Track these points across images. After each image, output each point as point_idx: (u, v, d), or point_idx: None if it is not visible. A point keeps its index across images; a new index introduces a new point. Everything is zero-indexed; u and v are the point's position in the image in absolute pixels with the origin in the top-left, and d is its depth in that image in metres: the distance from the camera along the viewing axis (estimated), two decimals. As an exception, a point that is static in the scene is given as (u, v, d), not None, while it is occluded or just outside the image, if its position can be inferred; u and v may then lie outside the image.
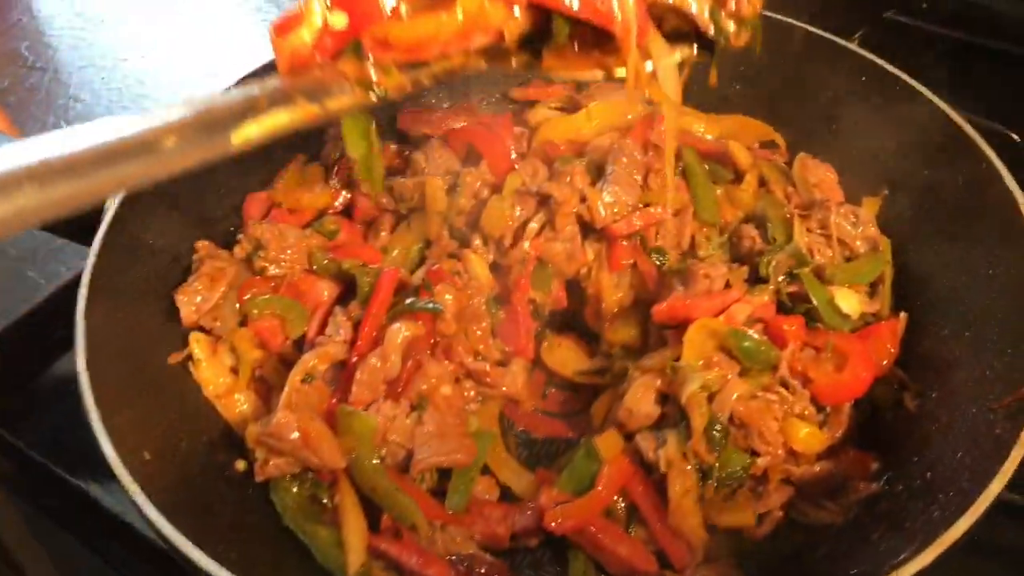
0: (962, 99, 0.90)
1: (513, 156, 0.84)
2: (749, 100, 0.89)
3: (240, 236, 0.81)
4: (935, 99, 0.77)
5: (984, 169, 0.73)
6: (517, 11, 0.57)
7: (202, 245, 0.80)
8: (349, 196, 0.86)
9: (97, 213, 0.74)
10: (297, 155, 0.89)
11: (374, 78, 0.57)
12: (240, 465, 0.72)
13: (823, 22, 0.88)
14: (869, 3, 1.13)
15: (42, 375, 0.85)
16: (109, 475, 0.60)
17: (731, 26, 0.62)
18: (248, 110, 0.53)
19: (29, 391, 0.84)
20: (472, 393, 0.75)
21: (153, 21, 1.25)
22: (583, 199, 0.78)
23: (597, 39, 0.60)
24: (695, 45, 0.63)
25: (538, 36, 0.60)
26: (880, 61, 0.81)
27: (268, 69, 0.78)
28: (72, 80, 1.17)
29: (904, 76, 0.79)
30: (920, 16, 1.08)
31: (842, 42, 0.83)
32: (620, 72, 0.61)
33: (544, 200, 0.79)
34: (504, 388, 0.76)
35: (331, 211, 0.86)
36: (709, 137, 0.87)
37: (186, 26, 1.23)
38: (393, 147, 0.90)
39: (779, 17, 0.86)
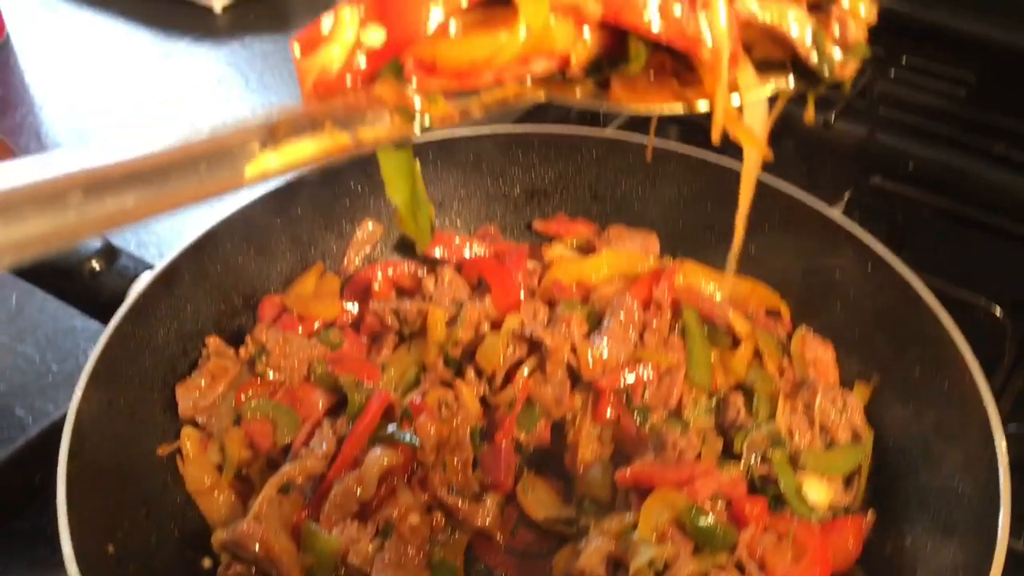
0: (947, 270, 0.92)
1: (521, 293, 0.85)
2: (762, 264, 0.87)
3: (248, 337, 0.82)
4: (922, 289, 0.77)
5: (957, 361, 0.71)
6: (587, 32, 0.48)
7: (212, 341, 0.82)
8: (358, 310, 0.87)
9: (120, 293, 0.76)
10: (318, 263, 0.91)
11: (417, 106, 0.48)
12: (206, 563, 0.73)
13: (811, 183, 0.88)
14: (856, 167, 1.11)
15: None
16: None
17: (837, 53, 0.53)
18: (265, 136, 0.44)
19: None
20: (443, 523, 0.75)
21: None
22: (574, 349, 0.79)
23: (676, 66, 0.52)
24: (790, 76, 0.54)
25: (608, 62, 0.51)
26: (875, 244, 0.80)
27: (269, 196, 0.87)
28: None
29: (898, 264, 0.79)
30: (906, 182, 1.07)
31: (858, 232, 0.82)
32: (702, 106, 0.53)
33: (538, 344, 0.79)
34: (477, 523, 0.75)
35: (339, 323, 0.87)
36: (718, 297, 0.87)
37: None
38: (408, 268, 0.90)
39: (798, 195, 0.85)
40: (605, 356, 0.78)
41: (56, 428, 0.82)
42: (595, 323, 0.82)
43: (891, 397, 0.78)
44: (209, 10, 1.42)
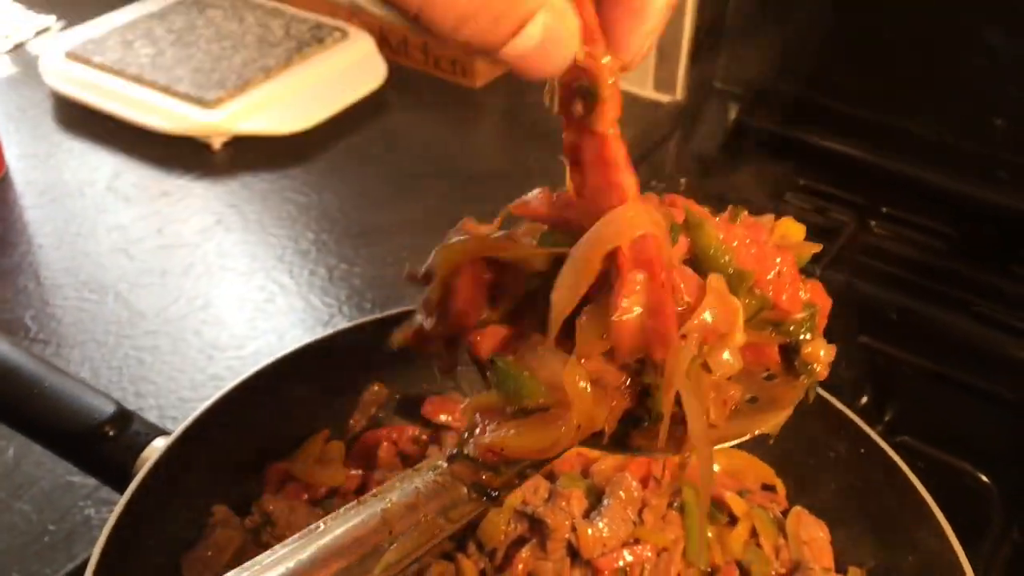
0: (933, 433, 0.97)
1: None
2: (760, 440, 0.88)
3: (253, 506, 0.83)
4: (913, 479, 0.79)
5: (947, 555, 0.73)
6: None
7: (218, 510, 0.82)
8: (363, 476, 0.88)
9: (130, 459, 0.78)
10: (323, 430, 0.92)
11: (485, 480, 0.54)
12: None
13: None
14: (842, 322, 1.16)
15: None
16: None
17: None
18: (381, 541, 0.50)
19: None
20: None
21: (157, 297, 1.21)
22: (574, 528, 0.79)
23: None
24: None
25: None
26: (871, 432, 0.82)
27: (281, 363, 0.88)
28: (73, 355, 1.11)
29: (890, 451, 0.80)
30: (891, 339, 1.10)
31: (848, 412, 0.84)
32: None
33: (538, 522, 0.80)
34: None
35: (344, 489, 0.87)
36: (716, 469, 0.88)
37: (191, 303, 1.19)
38: (412, 432, 0.92)
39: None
40: (605, 535, 0.79)
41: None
42: (595, 498, 0.83)
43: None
44: (208, 147, 1.44)
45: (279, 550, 0.49)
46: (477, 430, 0.53)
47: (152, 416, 1.02)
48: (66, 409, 0.81)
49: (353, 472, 0.88)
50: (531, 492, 0.82)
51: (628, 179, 0.50)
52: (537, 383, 0.51)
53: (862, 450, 0.82)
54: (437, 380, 0.95)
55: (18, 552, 0.89)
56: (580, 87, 0.48)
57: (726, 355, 0.52)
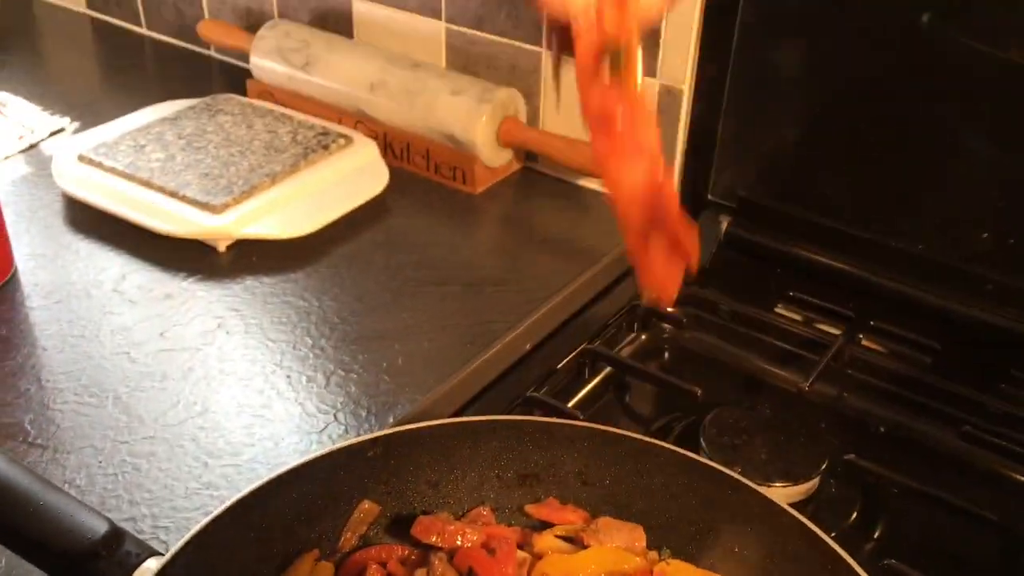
0: (920, 554, 0.99)
1: None
2: (739, 558, 0.91)
3: None
4: None
5: None
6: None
7: None
8: None
9: None
10: (313, 550, 0.92)
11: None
12: None
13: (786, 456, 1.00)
14: (829, 437, 1.16)
15: None
16: None
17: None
18: None
19: None
20: None
21: (156, 402, 1.23)
22: None
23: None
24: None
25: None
26: (845, 556, 0.84)
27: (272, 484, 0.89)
28: (69, 461, 1.12)
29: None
30: (878, 457, 1.11)
31: (829, 543, 0.86)
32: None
33: None
34: None
35: None
36: None
37: (189, 408, 1.22)
38: (401, 552, 0.93)
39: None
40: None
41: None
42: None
43: None
44: (213, 249, 1.48)
45: None
46: None
47: (146, 525, 1.03)
48: (59, 528, 0.82)
49: (341, 593, 0.89)
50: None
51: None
52: None
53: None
54: (428, 497, 0.97)
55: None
56: (608, 48, 0.51)
57: None
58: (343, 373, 1.26)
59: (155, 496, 1.08)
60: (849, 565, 0.83)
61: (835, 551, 0.84)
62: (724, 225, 1.43)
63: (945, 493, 1.06)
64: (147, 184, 1.49)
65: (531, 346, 1.32)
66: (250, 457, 1.14)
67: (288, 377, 1.26)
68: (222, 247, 1.47)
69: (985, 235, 1.31)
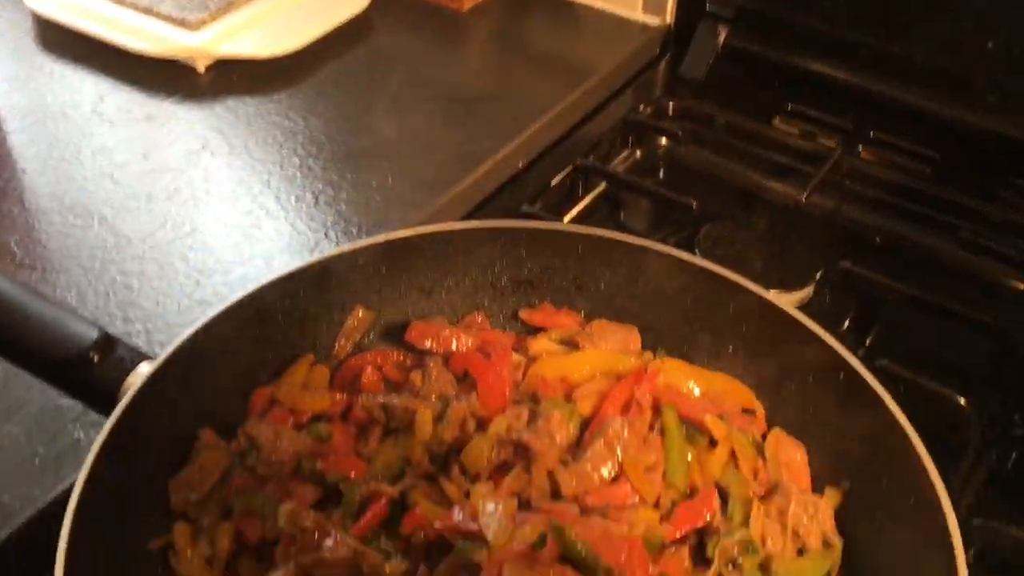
0: (914, 357, 0.99)
1: (507, 390, 0.87)
2: (739, 363, 0.92)
3: (239, 430, 0.84)
4: (889, 401, 0.79)
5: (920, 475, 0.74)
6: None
7: (204, 434, 0.84)
8: (347, 400, 0.89)
9: (115, 384, 0.79)
10: (308, 355, 0.92)
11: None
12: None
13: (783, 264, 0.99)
14: (825, 247, 1.16)
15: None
16: None
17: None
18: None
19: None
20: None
21: (143, 222, 1.20)
22: (563, 461, 0.80)
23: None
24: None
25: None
26: (850, 359, 0.83)
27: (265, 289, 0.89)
28: (59, 280, 1.10)
29: (868, 377, 0.81)
30: (874, 264, 1.10)
31: (832, 342, 0.85)
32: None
33: (523, 447, 0.81)
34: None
35: (329, 414, 0.88)
36: (697, 392, 0.90)
37: (177, 228, 1.19)
38: (396, 357, 0.93)
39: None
40: (586, 474, 0.80)
41: (43, 516, 0.83)
42: (577, 426, 0.84)
43: (859, 505, 0.82)
44: (192, 69, 1.43)
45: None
46: None
47: (140, 341, 1.03)
48: (50, 335, 0.82)
49: (338, 396, 0.89)
50: (516, 419, 0.84)
51: None
52: None
53: (841, 374, 0.82)
54: (422, 305, 0.96)
55: (8, 474, 0.90)
56: None
57: None
58: (332, 192, 1.24)
59: (148, 313, 1.07)
60: (845, 361, 0.83)
61: (832, 347, 0.84)
62: (722, 36, 1.38)
63: (941, 297, 1.06)
64: (119, 1, 1.42)
65: (524, 163, 1.29)
66: (241, 275, 1.12)
67: (277, 197, 1.23)
68: (201, 67, 1.41)
69: (990, 44, 1.27)
